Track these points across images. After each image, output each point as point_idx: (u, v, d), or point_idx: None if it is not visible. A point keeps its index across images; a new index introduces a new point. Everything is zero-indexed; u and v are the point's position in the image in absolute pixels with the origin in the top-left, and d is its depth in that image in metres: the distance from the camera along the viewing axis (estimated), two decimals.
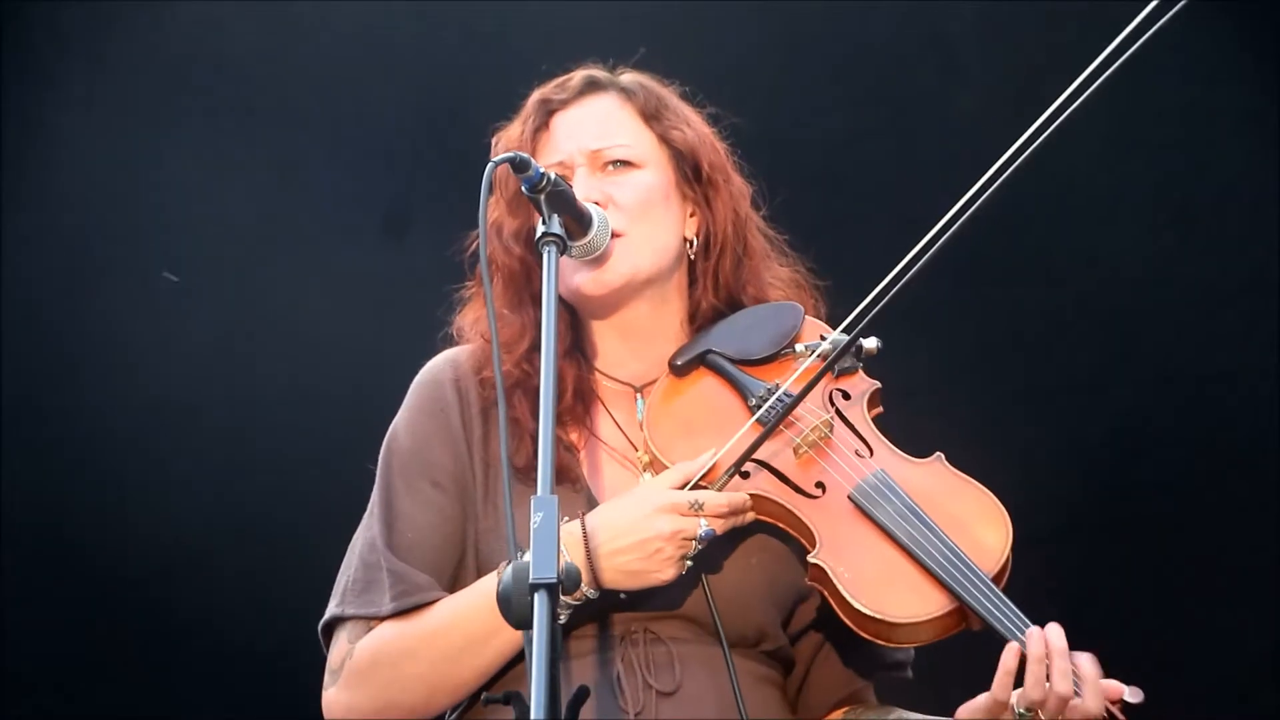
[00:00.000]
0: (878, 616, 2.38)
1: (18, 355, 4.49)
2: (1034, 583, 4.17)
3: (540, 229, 2.38)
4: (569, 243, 2.42)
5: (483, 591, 2.44)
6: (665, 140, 2.64)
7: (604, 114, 2.64)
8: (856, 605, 2.38)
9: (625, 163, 2.60)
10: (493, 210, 2.64)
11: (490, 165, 2.37)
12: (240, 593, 4.53)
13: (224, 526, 4.52)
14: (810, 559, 2.41)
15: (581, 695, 2.31)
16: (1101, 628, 4.21)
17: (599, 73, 2.69)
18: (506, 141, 2.64)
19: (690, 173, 2.63)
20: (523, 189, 2.40)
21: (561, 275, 2.47)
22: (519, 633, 2.11)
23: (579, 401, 2.61)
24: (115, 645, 4.56)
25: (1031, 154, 2.39)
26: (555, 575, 2.07)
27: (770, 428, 2.47)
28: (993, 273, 4.24)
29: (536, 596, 2.07)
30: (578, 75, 2.67)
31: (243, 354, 4.55)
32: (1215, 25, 4.13)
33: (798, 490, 2.48)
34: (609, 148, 2.60)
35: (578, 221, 2.46)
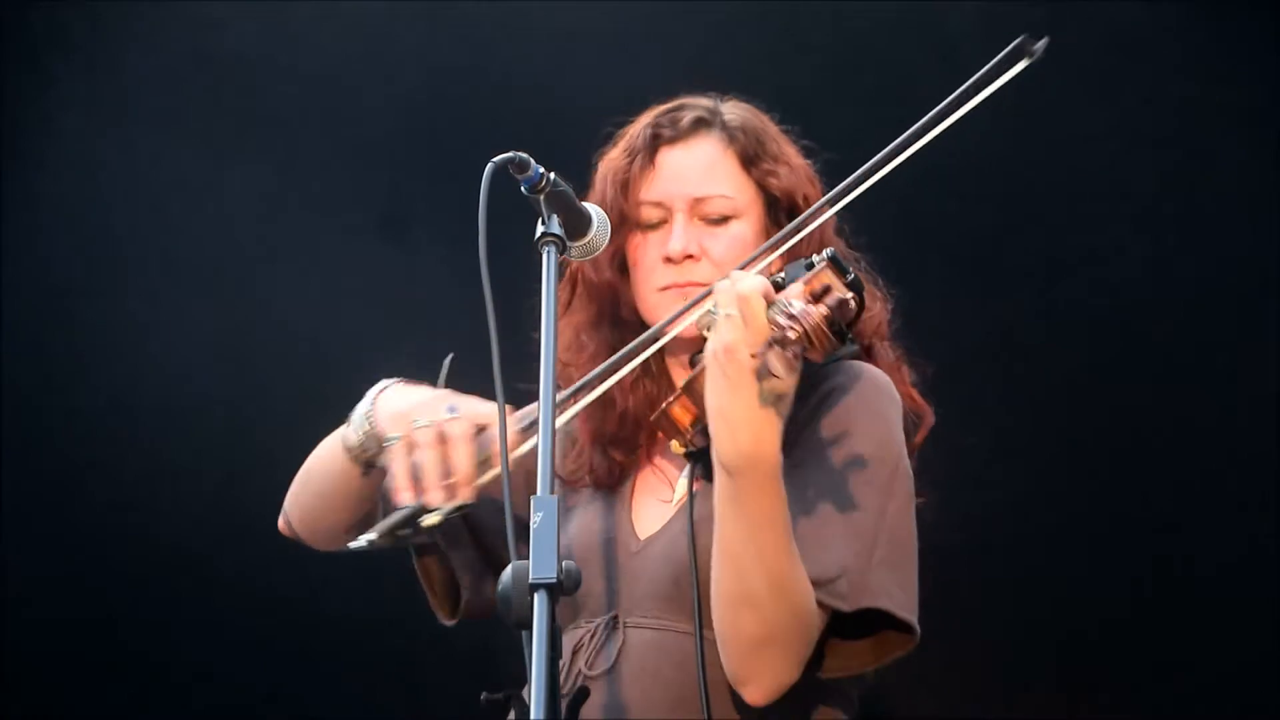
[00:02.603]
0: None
1: (18, 355, 4.50)
2: (1033, 583, 4.21)
3: (540, 229, 2.38)
4: (569, 243, 2.42)
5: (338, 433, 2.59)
6: (762, 186, 2.65)
7: (709, 161, 2.64)
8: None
9: (723, 215, 2.62)
10: None
11: (490, 165, 2.38)
12: (240, 593, 4.53)
13: (224, 526, 4.52)
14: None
15: (581, 695, 2.31)
16: (1101, 628, 4.24)
17: (707, 107, 2.69)
18: (609, 166, 2.68)
19: (784, 216, 2.63)
20: (522, 189, 2.40)
21: (657, 318, 2.55)
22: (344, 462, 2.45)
23: (633, 427, 2.64)
24: (115, 645, 4.56)
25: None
26: (555, 575, 2.08)
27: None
28: (992, 272, 4.24)
29: (536, 596, 2.07)
30: (688, 113, 2.67)
31: (243, 354, 4.55)
32: (1215, 25, 4.14)
33: None
34: (710, 198, 2.62)
35: (578, 221, 2.46)
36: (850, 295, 2.32)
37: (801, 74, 4.28)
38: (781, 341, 2.20)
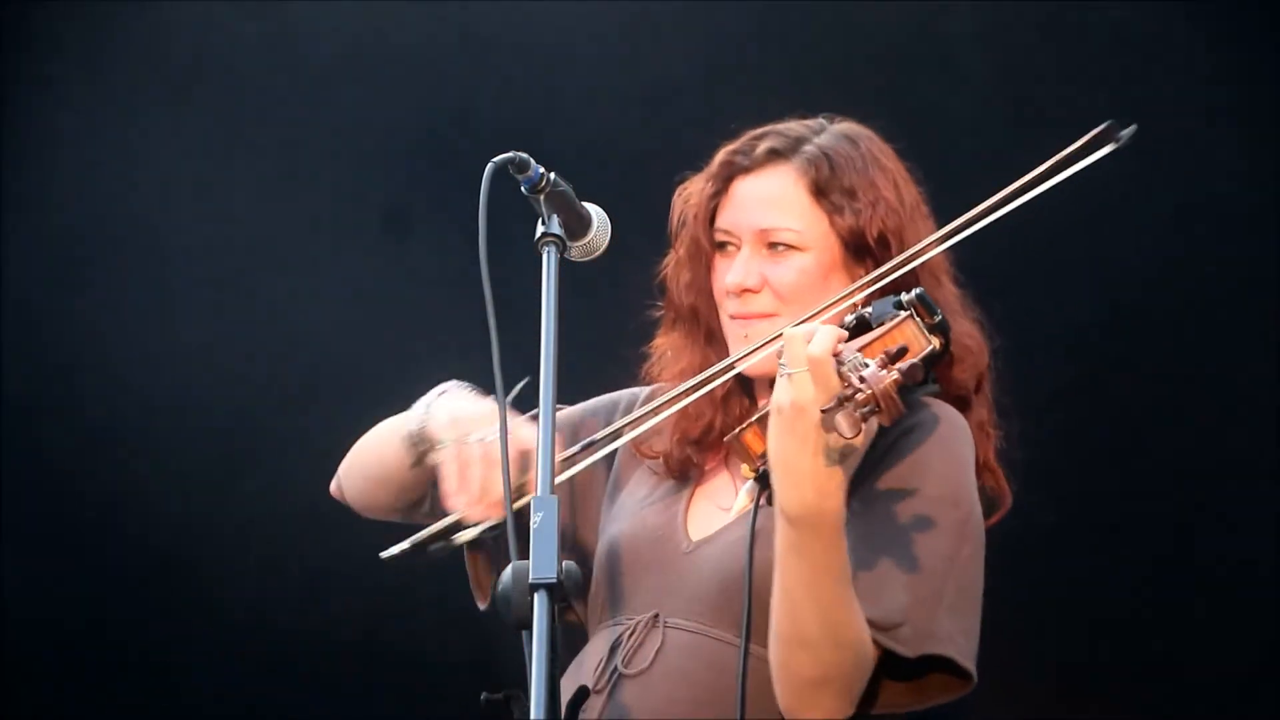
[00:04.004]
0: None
1: (17, 355, 4.49)
2: (1033, 583, 4.21)
3: (540, 229, 2.38)
4: (569, 243, 2.42)
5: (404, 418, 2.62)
6: (833, 219, 2.60)
7: (778, 192, 2.61)
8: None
9: (789, 246, 2.60)
10: (675, 250, 2.70)
11: (490, 165, 2.38)
12: (240, 593, 4.52)
13: (224, 526, 4.52)
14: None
15: (581, 695, 2.31)
16: (1101, 628, 4.24)
17: (793, 134, 2.66)
18: (689, 195, 2.68)
19: (861, 249, 2.60)
20: (522, 189, 2.41)
21: (730, 345, 2.60)
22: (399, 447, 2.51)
23: (716, 437, 2.65)
24: (115, 645, 4.56)
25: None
26: (555, 575, 2.08)
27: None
28: (992, 272, 4.23)
29: (536, 596, 2.07)
30: (765, 142, 2.65)
31: (243, 354, 4.55)
32: (1215, 25, 4.13)
33: None
34: (774, 230, 2.60)
35: (578, 221, 2.46)
36: (929, 349, 2.31)
37: (801, 74, 4.28)
38: (851, 401, 2.17)
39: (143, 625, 4.55)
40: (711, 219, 2.65)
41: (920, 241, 2.56)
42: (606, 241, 2.51)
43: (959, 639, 2.41)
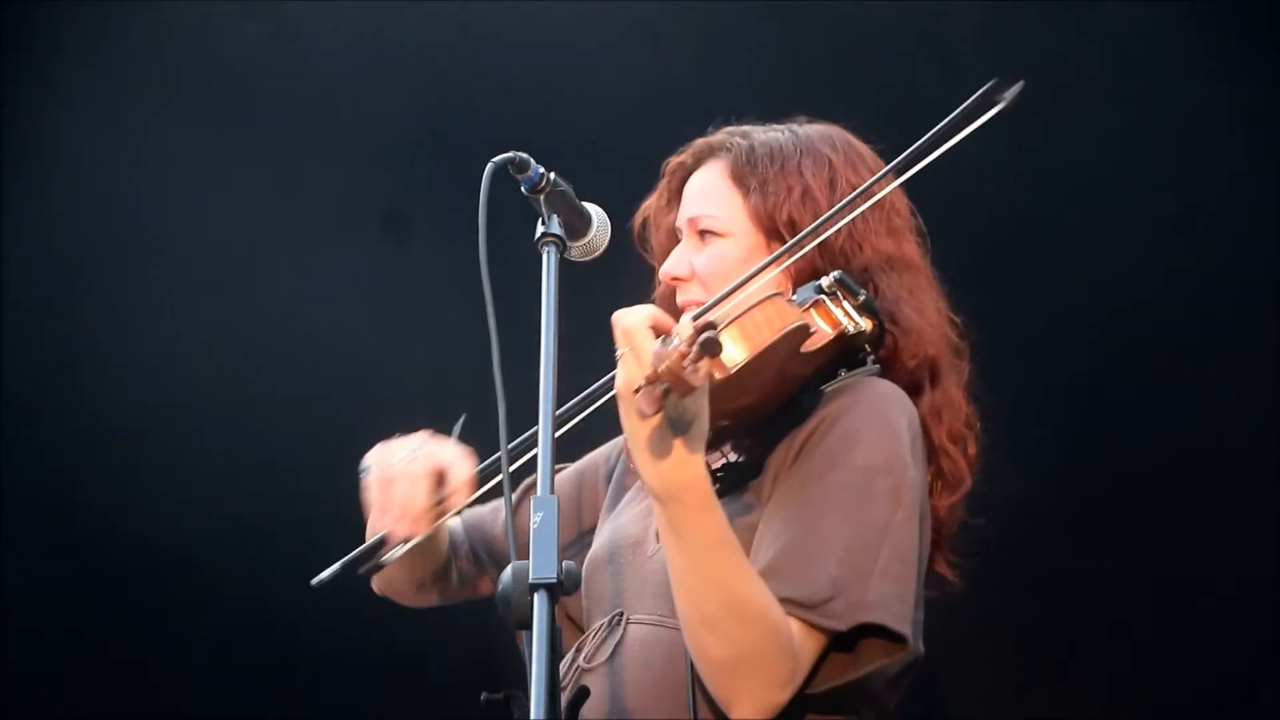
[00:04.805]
0: None
1: (17, 355, 4.50)
2: (1033, 583, 4.21)
3: (540, 229, 2.39)
4: (569, 243, 2.43)
5: None
6: (745, 202, 2.64)
7: (706, 183, 2.67)
8: None
9: (711, 233, 2.64)
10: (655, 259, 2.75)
11: (490, 165, 2.38)
12: (240, 593, 4.53)
13: (224, 526, 4.52)
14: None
15: (581, 695, 2.31)
16: (1101, 628, 4.24)
17: (730, 133, 2.70)
18: (648, 207, 2.75)
19: (779, 238, 2.61)
20: (522, 189, 2.41)
21: None
22: None
23: None
24: (115, 645, 4.56)
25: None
26: (555, 575, 2.08)
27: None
28: (992, 272, 4.24)
29: (536, 596, 2.07)
30: (700, 139, 2.71)
31: (242, 354, 4.55)
32: (1215, 25, 4.14)
33: None
34: (699, 218, 2.65)
35: (578, 221, 2.47)
36: (847, 330, 2.38)
37: (802, 74, 4.28)
38: (653, 379, 2.17)
39: (142, 625, 4.55)
40: (665, 219, 2.72)
41: (852, 230, 2.59)
42: (606, 241, 2.52)
43: (892, 604, 2.38)
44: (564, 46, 4.46)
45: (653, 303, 2.68)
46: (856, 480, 2.42)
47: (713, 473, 2.39)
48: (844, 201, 2.52)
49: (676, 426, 2.23)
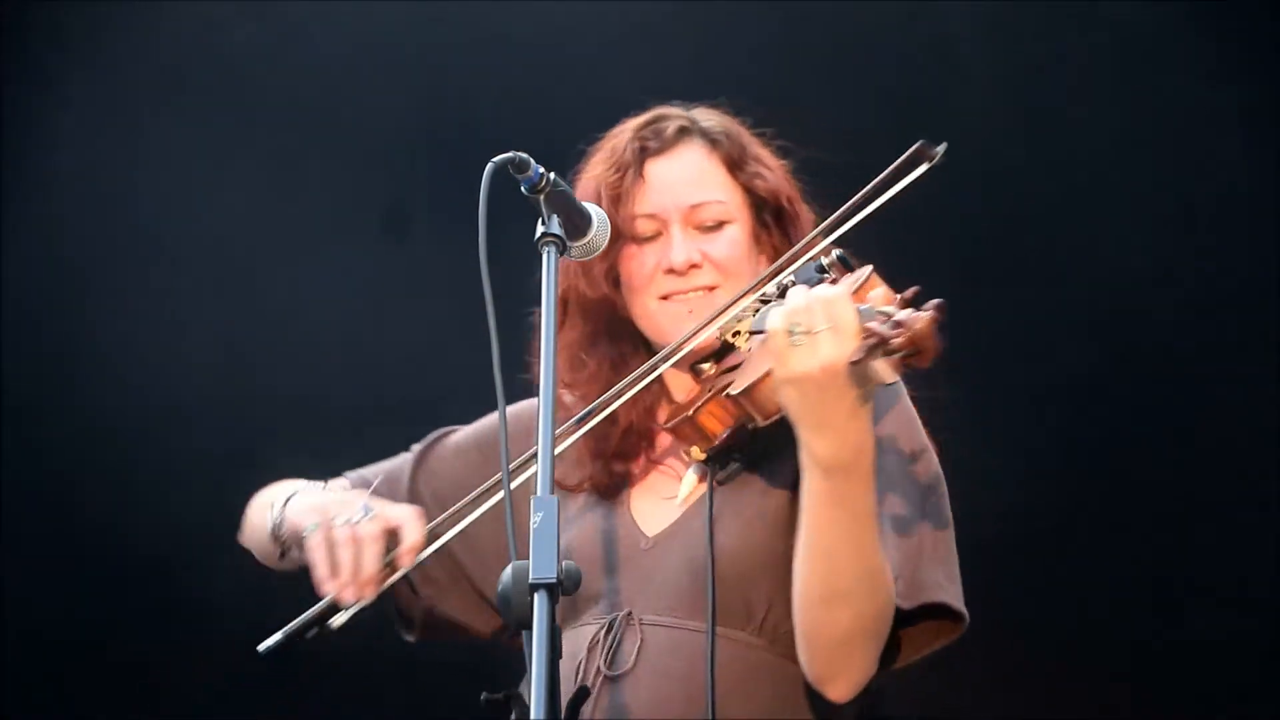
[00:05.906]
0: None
1: (17, 355, 4.49)
2: (1034, 583, 4.20)
3: (539, 229, 2.38)
4: (569, 243, 2.42)
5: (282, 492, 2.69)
6: (749, 189, 2.68)
7: (696, 168, 2.68)
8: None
9: (718, 219, 2.65)
10: None
11: (490, 165, 2.38)
12: (239, 593, 4.52)
13: (223, 526, 4.51)
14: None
15: (581, 695, 2.31)
16: (1101, 628, 4.24)
17: (685, 115, 2.72)
18: (597, 182, 2.68)
19: (771, 217, 2.68)
20: (522, 189, 2.41)
21: (660, 327, 2.62)
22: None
23: (635, 438, 2.67)
24: (114, 645, 4.55)
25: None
26: (555, 575, 2.08)
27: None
28: (993, 272, 4.24)
29: (536, 596, 2.07)
30: (670, 123, 2.70)
31: (242, 354, 4.55)
32: (1215, 25, 4.13)
33: None
34: (703, 205, 2.65)
35: (578, 221, 2.46)
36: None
37: (802, 74, 4.28)
38: (882, 347, 2.20)
39: (142, 625, 4.54)
40: (626, 207, 2.66)
41: (802, 215, 2.68)
42: (606, 241, 2.52)
43: (945, 584, 2.47)
44: (564, 46, 4.45)
45: (580, 309, 2.69)
46: (895, 469, 2.49)
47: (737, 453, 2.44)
48: (873, 184, 2.53)
49: (866, 396, 2.28)
